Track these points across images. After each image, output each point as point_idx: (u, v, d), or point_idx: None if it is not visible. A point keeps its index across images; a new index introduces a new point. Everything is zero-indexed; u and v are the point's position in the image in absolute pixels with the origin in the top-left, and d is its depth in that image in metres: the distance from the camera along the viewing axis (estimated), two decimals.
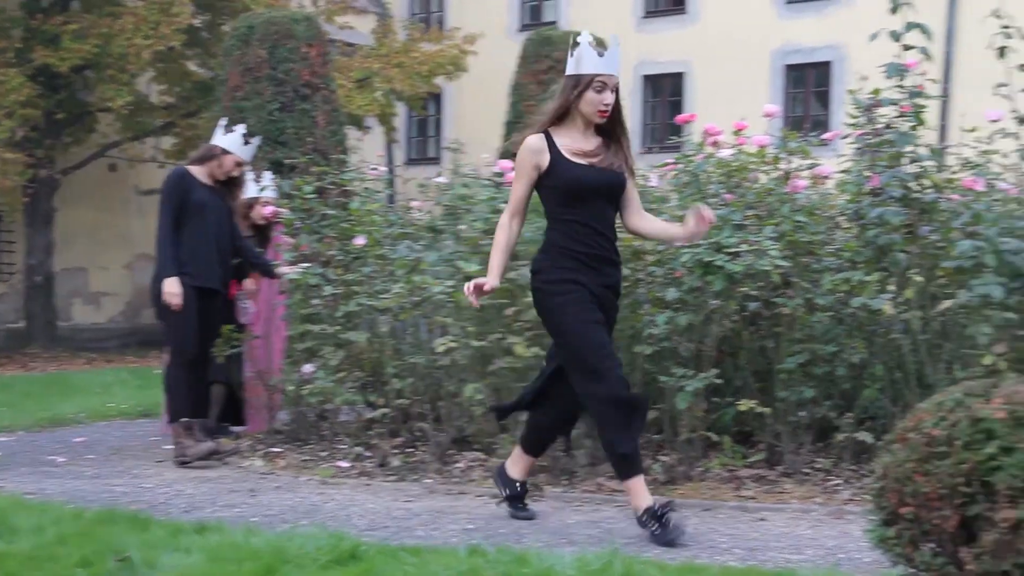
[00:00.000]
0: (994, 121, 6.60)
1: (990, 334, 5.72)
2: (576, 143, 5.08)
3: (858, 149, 6.39)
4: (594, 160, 5.06)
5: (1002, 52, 5.73)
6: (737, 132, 6.73)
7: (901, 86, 6.05)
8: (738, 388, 6.73)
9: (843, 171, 6.65)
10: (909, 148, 6.20)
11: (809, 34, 20.39)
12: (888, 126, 6.15)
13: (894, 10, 5.78)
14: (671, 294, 6.23)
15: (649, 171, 7.36)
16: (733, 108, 8.93)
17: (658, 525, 4.96)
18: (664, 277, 6.40)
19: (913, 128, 6.25)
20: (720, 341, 6.57)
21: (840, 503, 5.83)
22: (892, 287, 6.25)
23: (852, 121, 6.48)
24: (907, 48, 5.77)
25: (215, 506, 5.91)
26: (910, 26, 5.70)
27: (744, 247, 6.09)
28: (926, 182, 6.48)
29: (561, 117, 5.10)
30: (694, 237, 5.21)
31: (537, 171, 5.07)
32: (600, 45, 5.10)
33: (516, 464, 5.54)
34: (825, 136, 7.29)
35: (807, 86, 21.11)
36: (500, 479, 5.58)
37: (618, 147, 5.15)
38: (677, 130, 7.56)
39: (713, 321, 6.41)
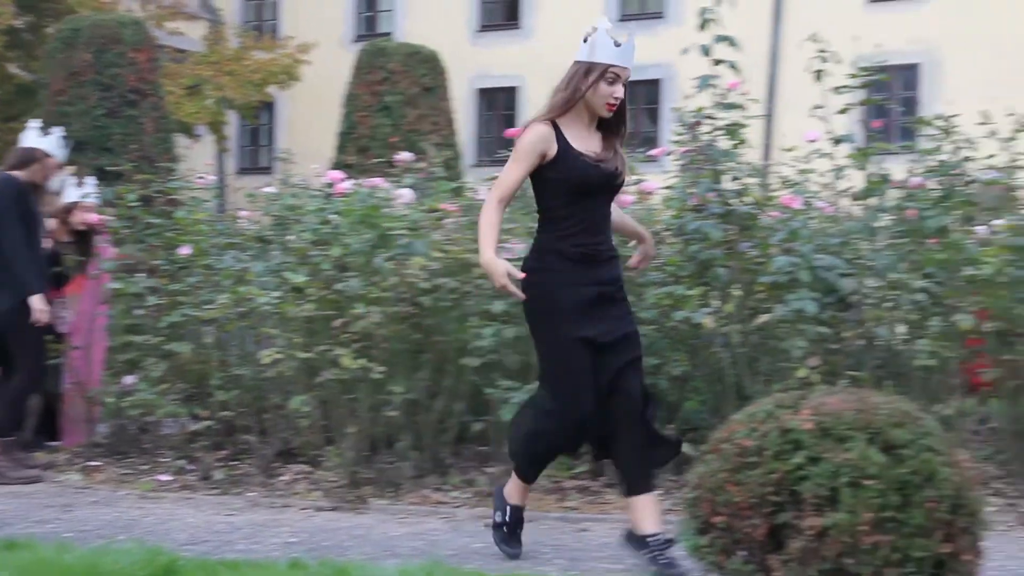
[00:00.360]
0: (812, 141, 6.82)
1: (804, 348, 5.90)
2: (581, 136, 4.77)
3: (682, 166, 6.54)
4: (600, 155, 4.76)
5: (819, 75, 5.92)
6: None
7: (721, 103, 6.20)
8: None
9: (667, 187, 6.78)
10: (730, 165, 6.35)
11: (639, 51, 20.73)
12: (710, 144, 6.30)
13: (703, 26, 5.93)
14: (498, 307, 6.26)
15: (479, 184, 7.40)
16: None
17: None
18: (492, 290, 6.43)
19: (734, 146, 6.42)
20: None
21: (662, 513, 5.93)
22: (713, 301, 6.40)
23: (676, 138, 6.62)
24: (717, 62, 5.90)
25: (27, 522, 5.72)
26: (718, 39, 5.85)
27: None
28: (747, 199, 6.67)
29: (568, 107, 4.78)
30: (641, 264, 5.15)
31: (541, 159, 4.69)
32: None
33: (641, 515, 4.74)
34: (652, 152, 7.43)
35: (638, 103, 21.50)
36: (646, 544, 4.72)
37: (617, 143, 4.87)
38: (507, 143, 7.62)
39: None
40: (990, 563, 4.90)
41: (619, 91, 4.80)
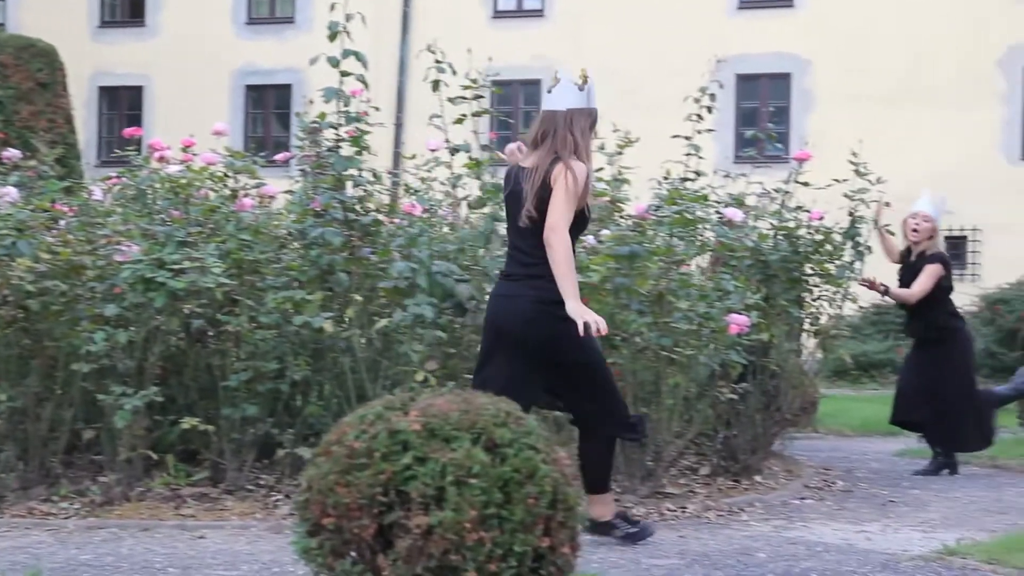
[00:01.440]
0: (432, 151, 6.98)
1: (422, 352, 6.03)
2: None
3: (302, 171, 6.55)
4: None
5: (436, 85, 6.06)
6: (185, 149, 6.69)
7: (346, 111, 6.25)
8: (185, 406, 6.65)
9: (288, 191, 6.78)
10: (352, 172, 6.41)
11: (270, 56, 20.62)
12: (331, 149, 6.33)
13: (332, 37, 5.97)
14: (111, 310, 6.06)
15: (94, 184, 7.15)
16: (194, 125, 8.87)
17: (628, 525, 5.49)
18: (104, 293, 6.22)
19: (358, 153, 6.49)
20: (165, 358, 6.48)
21: (280, 518, 5.92)
22: (335, 306, 6.44)
23: (299, 143, 6.63)
24: (344, 74, 5.96)
25: None
26: (346, 53, 5.90)
27: (187, 264, 6.05)
28: (369, 205, 6.75)
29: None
30: None
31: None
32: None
33: (598, 506, 5.40)
34: (277, 157, 7.40)
35: (267, 107, 21.31)
36: (608, 530, 5.48)
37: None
38: (126, 143, 7.40)
39: (156, 338, 6.31)
40: (595, 555, 5.21)
41: None
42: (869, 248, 8.05)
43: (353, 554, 3.43)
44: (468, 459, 3.38)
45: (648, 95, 18.49)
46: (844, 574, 4.94)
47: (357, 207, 6.50)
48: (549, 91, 5.39)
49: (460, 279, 6.17)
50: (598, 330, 4.93)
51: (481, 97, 6.20)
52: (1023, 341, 16.35)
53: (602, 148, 7.12)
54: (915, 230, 8.24)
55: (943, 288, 8.16)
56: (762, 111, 19.34)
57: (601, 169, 7.32)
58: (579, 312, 4.93)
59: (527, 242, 5.11)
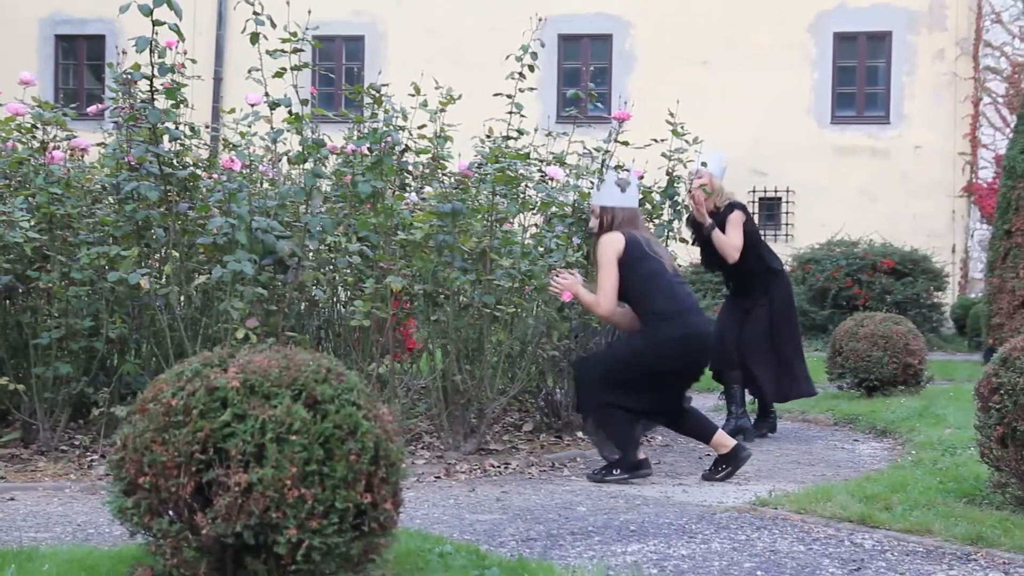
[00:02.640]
0: (252, 105, 6.83)
1: (242, 309, 5.93)
2: None
3: (116, 123, 6.35)
4: None
5: (254, 38, 5.93)
6: None
7: (160, 62, 6.06)
8: None
9: (101, 144, 6.57)
10: (168, 125, 6.24)
11: (80, 5, 19.91)
12: (145, 102, 6.15)
13: None
14: None
15: None
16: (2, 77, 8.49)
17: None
18: None
19: (175, 106, 6.31)
20: None
21: (95, 479, 5.77)
22: (152, 262, 6.28)
23: (112, 96, 6.42)
24: (157, 23, 5.77)
25: None
26: (159, 1, 5.72)
27: None
28: (187, 159, 6.58)
29: None
30: None
31: None
32: None
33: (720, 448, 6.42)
34: (89, 109, 7.15)
35: (79, 58, 20.58)
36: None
37: None
38: None
39: None
40: (419, 511, 5.22)
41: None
42: (687, 207, 8.20)
43: (171, 513, 3.36)
44: (288, 416, 3.35)
45: (472, 52, 18.47)
46: (662, 526, 5.05)
47: (174, 161, 6.35)
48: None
49: (281, 235, 6.07)
50: None
51: (301, 51, 6.08)
52: (833, 300, 16.96)
53: (424, 105, 7.08)
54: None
55: (749, 234, 8.03)
56: (584, 71, 19.49)
57: (423, 126, 7.28)
58: None
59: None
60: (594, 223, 6.57)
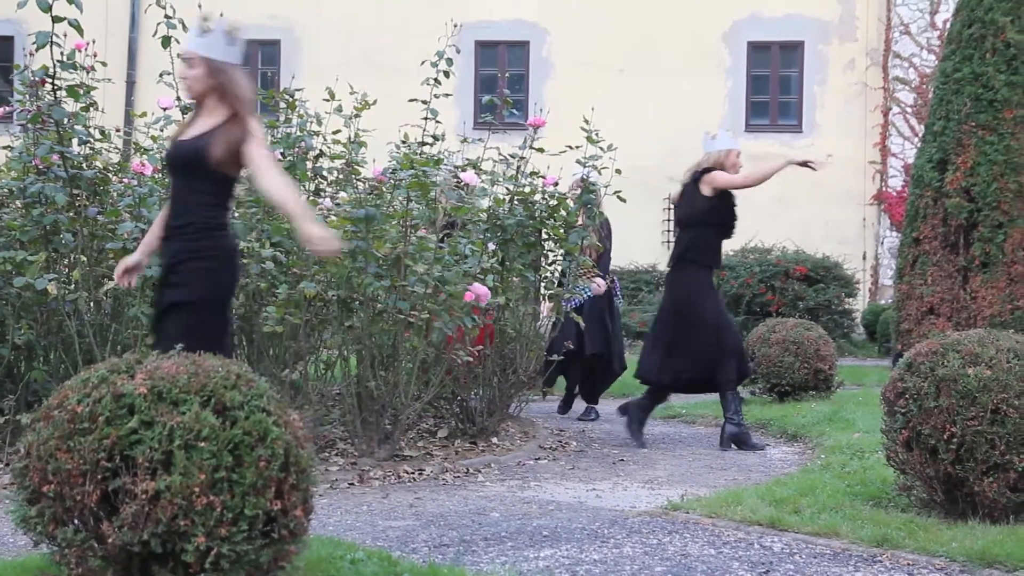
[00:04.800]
0: (165, 109, 6.77)
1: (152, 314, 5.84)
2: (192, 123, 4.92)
3: (23, 126, 6.25)
4: (181, 137, 4.88)
5: (166, 42, 5.87)
6: None
7: (61, 60, 5.95)
8: None
9: (7, 147, 6.46)
10: (77, 127, 6.15)
11: None
12: (52, 104, 6.06)
13: None
14: None
15: None
16: None
17: None
18: None
19: (84, 109, 6.23)
20: None
21: None
22: (60, 267, 6.18)
23: (20, 97, 6.32)
24: (57, 20, 5.67)
25: None
26: None
27: None
28: (96, 163, 6.50)
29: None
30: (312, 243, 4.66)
31: None
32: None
33: None
34: None
35: None
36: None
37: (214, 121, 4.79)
38: None
39: None
40: (331, 518, 5.19)
41: (187, 73, 4.84)
42: (602, 213, 8.25)
43: (76, 522, 3.32)
44: (197, 422, 3.32)
45: (390, 58, 18.43)
46: (575, 531, 5.08)
47: (84, 164, 6.26)
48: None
49: None
50: None
51: None
52: (747, 306, 17.15)
53: (339, 110, 7.06)
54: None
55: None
56: (501, 78, 19.55)
57: (338, 132, 7.26)
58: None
59: None
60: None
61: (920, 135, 16.41)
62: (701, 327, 7.71)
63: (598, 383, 9.71)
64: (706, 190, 7.82)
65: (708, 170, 7.86)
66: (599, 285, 8.94)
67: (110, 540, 3.26)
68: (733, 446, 7.79)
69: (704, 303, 7.79)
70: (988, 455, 4.89)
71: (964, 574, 4.31)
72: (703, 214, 7.83)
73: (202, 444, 3.30)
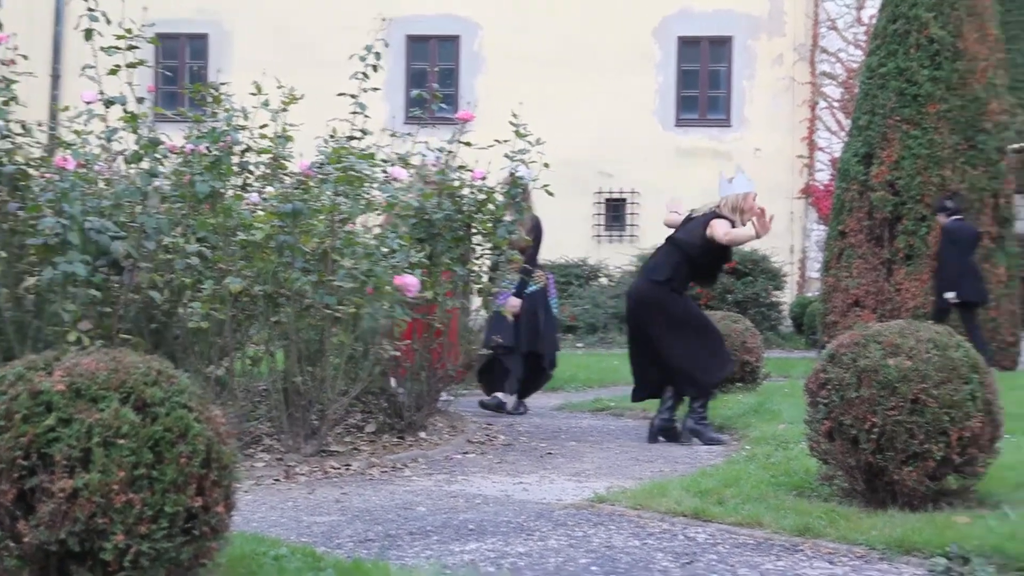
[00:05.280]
0: (88, 103, 6.68)
1: (74, 311, 5.79)
2: None
3: None
4: None
5: (88, 34, 5.80)
6: None
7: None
8: None
9: None
10: None
11: None
12: None
13: None
14: None
15: None
16: None
17: None
18: None
19: (4, 103, 6.14)
20: None
21: None
22: None
23: None
24: None
25: None
26: None
27: None
28: (17, 158, 6.40)
29: None
30: None
31: None
32: None
33: None
34: None
35: None
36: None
37: None
38: None
39: None
40: (256, 514, 5.17)
41: None
42: (530, 208, 8.28)
43: None
44: (116, 419, 3.29)
45: (320, 52, 18.32)
46: (501, 524, 5.10)
47: (3, 159, 6.16)
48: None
49: (116, 236, 5.94)
50: None
51: (136, 48, 5.97)
52: None
53: (266, 104, 7.01)
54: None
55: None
56: (431, 72, 19.53)
57: (265, 126, 7.21)
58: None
59: None
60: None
61: (846, 129, 16.62)
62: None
63: (529, 381, 9.70)
64: (708, 232, 7.87)
65: (718, 215, 7.88)
66: (513, 306, 8.96)
67: (26, 539, 3.22)
68: (662, 438, 7.87)
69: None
70: (908, 444, 4.98)
71: (883, 561, 4.39)
72: (696, 249, 7.89)
73: (121, 441, 3.27)
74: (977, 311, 12.76)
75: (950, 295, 12.62)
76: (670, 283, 7.85)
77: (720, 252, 8.01)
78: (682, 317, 7.87)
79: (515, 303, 9.06)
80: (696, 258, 7.89)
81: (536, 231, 9.04)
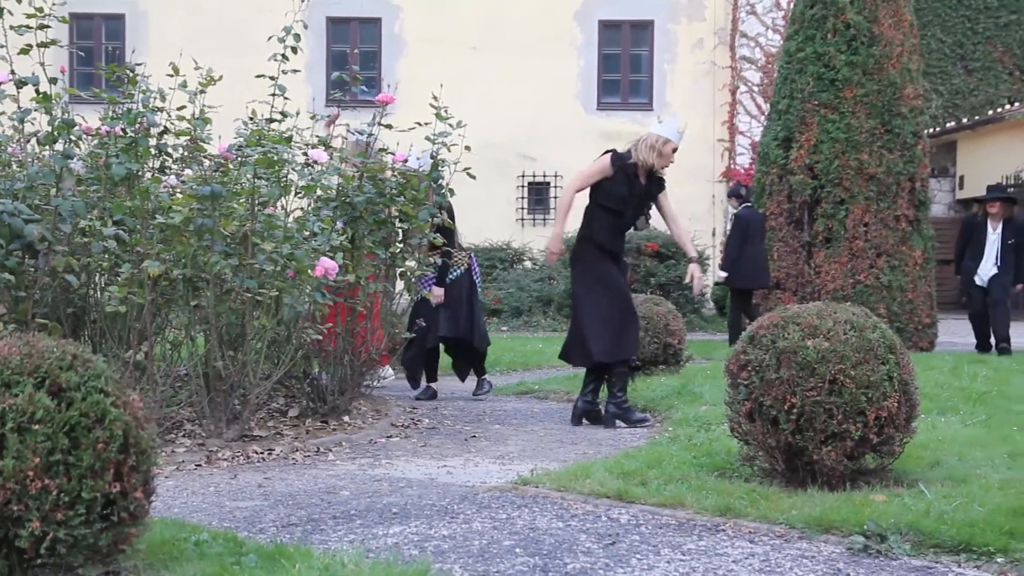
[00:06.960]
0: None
1: None
2: None
3: None
4: None
5: None
6: None
7: None
8: None
9: None
10: None
11: None
12: None
13: None
14: None
15: None
16: None
17: None
18: None
19: None
20: None
21: None
22: None
23: None
24: None
25: None
26: None
27: None
28: None
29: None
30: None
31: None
32: None
33: None
34: None
35: None
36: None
37: None
38: None
39: None
40: (177, 499, 5.11)
41: None
42: (452, 191, 8.26)
43: None
44: (31, 404, 3.24)
45: (239, 34, 18.14)
46: (424, 507, 5.08)
47: None
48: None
49: (30, 219, 5.83)
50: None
51: (47, 27, 5.85)
52: None
53: (184, 86, 6.91)
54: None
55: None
56: (351, 54, 19.39)
57: (183, 108, 7.11)
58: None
59: None
60: None
61: (766, 113, 16.77)
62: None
63: (464, 362, 9.70)
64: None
65: (618, 155, 8.02)
66: (437, 296, 9.03)
67: None
68: (586, 421, 7.90)
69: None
70: (826, 424, 5.03)
71: (802, 540, 4.44)
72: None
73: (36, 427, 3.22)
74: (751, 296, 13.46)
75: (721, 275, 13.39)
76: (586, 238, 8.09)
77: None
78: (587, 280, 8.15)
79: (439, 292, 9.04)
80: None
81: (450, 213, 9.01)
